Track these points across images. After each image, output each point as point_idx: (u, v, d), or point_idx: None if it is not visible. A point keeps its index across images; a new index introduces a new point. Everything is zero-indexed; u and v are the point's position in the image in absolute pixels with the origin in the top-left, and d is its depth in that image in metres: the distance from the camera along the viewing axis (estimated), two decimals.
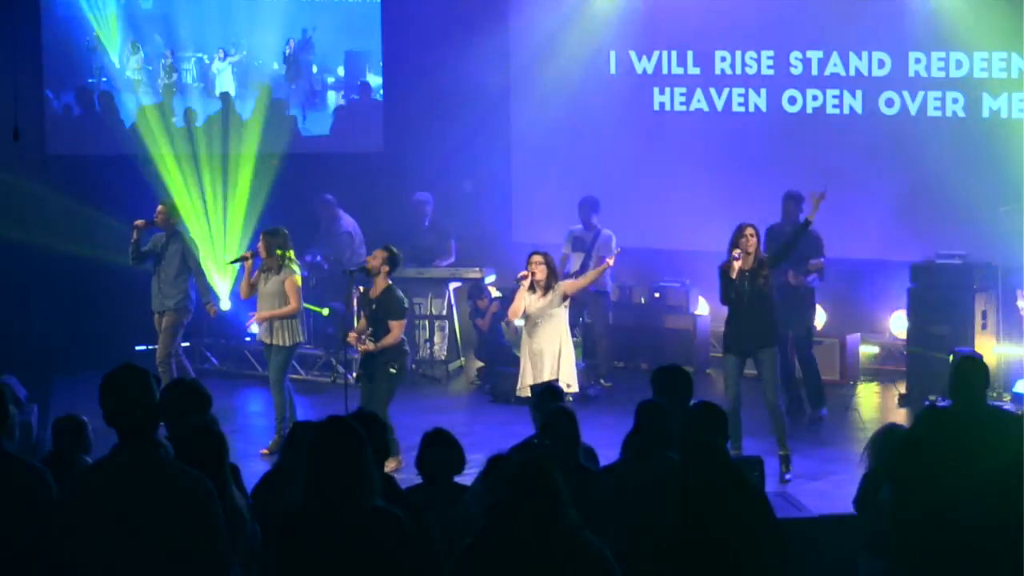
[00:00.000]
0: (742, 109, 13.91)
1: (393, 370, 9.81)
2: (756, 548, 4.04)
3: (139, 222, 11.57)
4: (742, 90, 13.89)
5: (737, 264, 9.61)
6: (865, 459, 6.71)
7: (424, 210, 13.87)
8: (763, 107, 13.82)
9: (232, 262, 11.33)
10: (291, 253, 10.68)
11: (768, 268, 9.73)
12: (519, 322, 10.17)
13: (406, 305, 10.06)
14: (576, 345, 12.03)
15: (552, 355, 9.82)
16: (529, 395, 9.79)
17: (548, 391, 7.58)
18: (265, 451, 10.59)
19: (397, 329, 9.79)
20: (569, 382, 9.84)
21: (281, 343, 10.54)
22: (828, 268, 11.53)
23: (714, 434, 5.68)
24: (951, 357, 9.84)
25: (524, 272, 9.95)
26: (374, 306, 9.88)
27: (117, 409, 4.49)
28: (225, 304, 13.40)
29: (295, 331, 10.61)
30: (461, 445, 6.23)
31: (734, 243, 9.67)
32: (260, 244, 10.63)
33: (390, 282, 9.96)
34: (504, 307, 12.15)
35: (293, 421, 10.68)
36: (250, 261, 10.73)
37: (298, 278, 10.61)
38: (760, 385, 9.84)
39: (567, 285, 10.11)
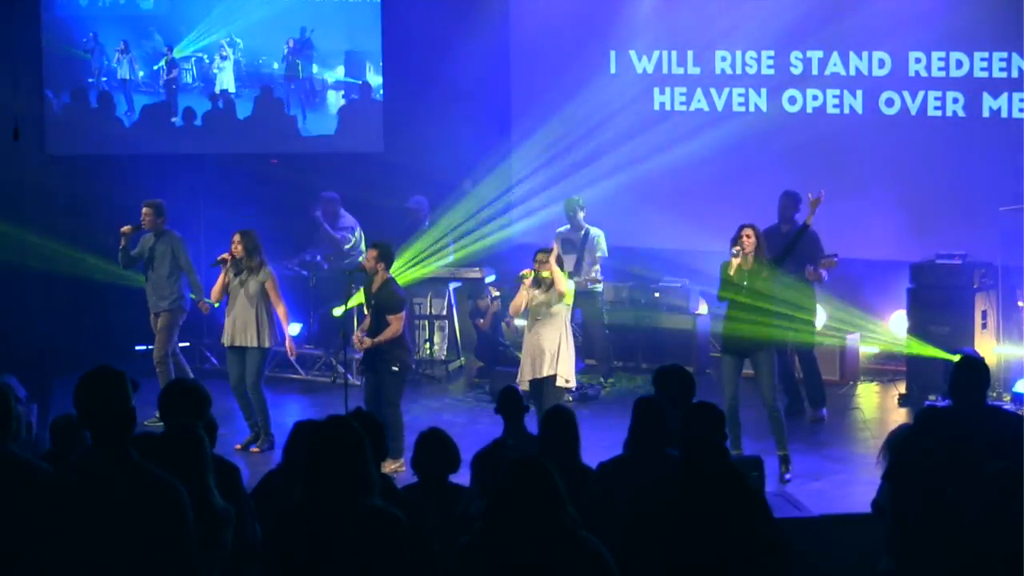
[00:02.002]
0: (742, 109, 13.91)
1: (395, 368, 9.85)
2: (755, 549, 4.04)
3: (125, 228, 11.57)
4: (742, 90, 13.88)
5: (736, 262, 9.62)
6: (882, 461, 6.70)
7: (420, 216, 13.87)
8: (763, 107, 13.81)
9: (213, 265, 11.36)
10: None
11: (768, 270, 9.72)
12: (520, 321, 10.18)
13: (404, 299, 10.12)
14: (576, 347, 12.07)
15: (551, 351, 9.83)
16: (527, 389, 9.85)
17: (508, 395, 7.40)
18: (256, 449, 10.60)
19: (396, 323, 9.84)
20: (568, 377, 9.88)
21: (258, 345, 10.54)
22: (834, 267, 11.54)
23: (712, 434, 5.68)
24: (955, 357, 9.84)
25: (526, 271, 9.97)
26: (374, 301, 9.95)
27: (90, 410, 4.46)
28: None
29: (270, 333, 10.63)
30: (456, 445, 6.23)
31: (734, 244, 9.70)
32: (237, 245, 10.62)
33: (389, 276, 10.02)
34: (505, 307, 12.17)
35: (267, 425, 10.70)
36: (228, 265, 10.74)
37: (274, 279, 10.66)
38: (757, 386, 9.84)
39: (563, 289, 10.00)
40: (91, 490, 4.38)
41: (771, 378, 9.72)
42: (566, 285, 9.94)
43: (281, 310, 10.67)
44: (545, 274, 9.86)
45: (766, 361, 9.69)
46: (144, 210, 11.61)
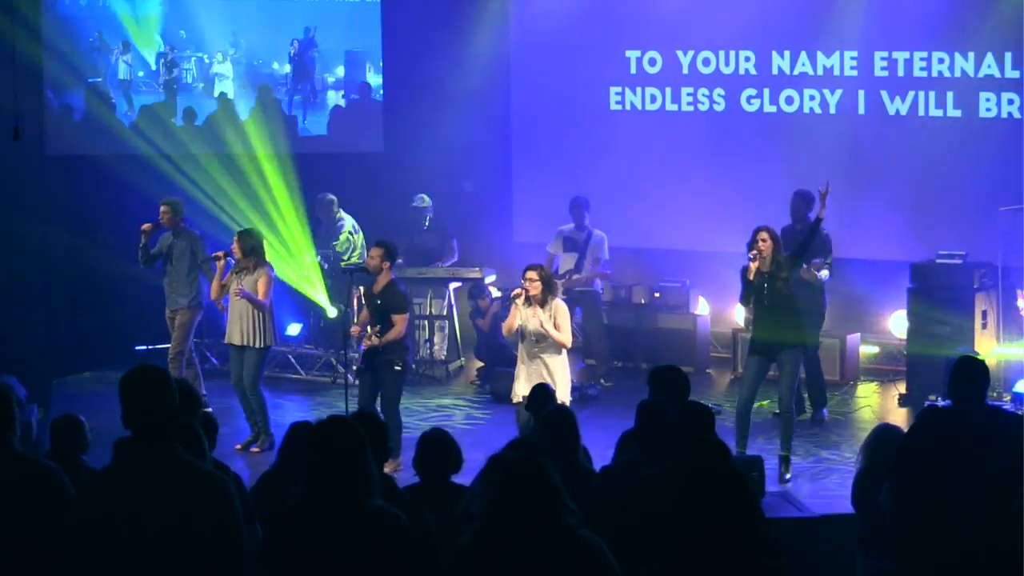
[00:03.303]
0: (743, 109, 13.90)
1: (398, 367, 9.84)
2: (755, 549, 4.04)
3: (146, 226, 11.57)
4: (742, 90, 13.88)
5: (754, 265, 9.61)
6: (859, 459, 6.72)
7: (423, 213, 13.88)
8: (764, 107, 13.81)
9: (204, 261, 11.34)
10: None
11: (787, 270, 9.70)
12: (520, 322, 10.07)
13: (409, 299, 10.10)
14: (575, 346, 12.06)
15: (548, 372, 9.65)
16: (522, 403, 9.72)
17: (540, 393, 7.57)
18: (256, 449, 10.60)
19: (400, 323, 9.83)
20: (564, 399, 9.68)
21: (256, 345, 10.55)
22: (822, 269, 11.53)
23: (706, 433, 5.70)
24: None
25: (518, 290, 9.79)
26: (378, 300, 9.92)
27: (136, 408, 4.50)
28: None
29: (269, 332, 10.62)
30: (458, 444, 6.23)
31: (750, 246, 9.69)
32: (235, 245, 10.63)
33: (393, 276, 10.00)
34: (505, 307, 12.13)
35: (267, 425, 10.69)
36: (223, 262, 10.75)
37: (268, 278, 10.61)
38: (774, 386, 9.84)
39: (559, 315, 9.69)
40: (140, 486, 4.42)
41: (792, 378, 9.72)
42: (566, 339, 9.79)
43: (258, 301, 10.51)
44: (534, 293, 9.67)
45: (790, 361, 9.70)
46: (162, 208, 11.61)
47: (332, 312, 13.26)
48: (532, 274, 9.63)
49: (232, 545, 4.45)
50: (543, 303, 9.58)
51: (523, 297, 9.61)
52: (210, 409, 8.50)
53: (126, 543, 4.38)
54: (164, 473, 4.45)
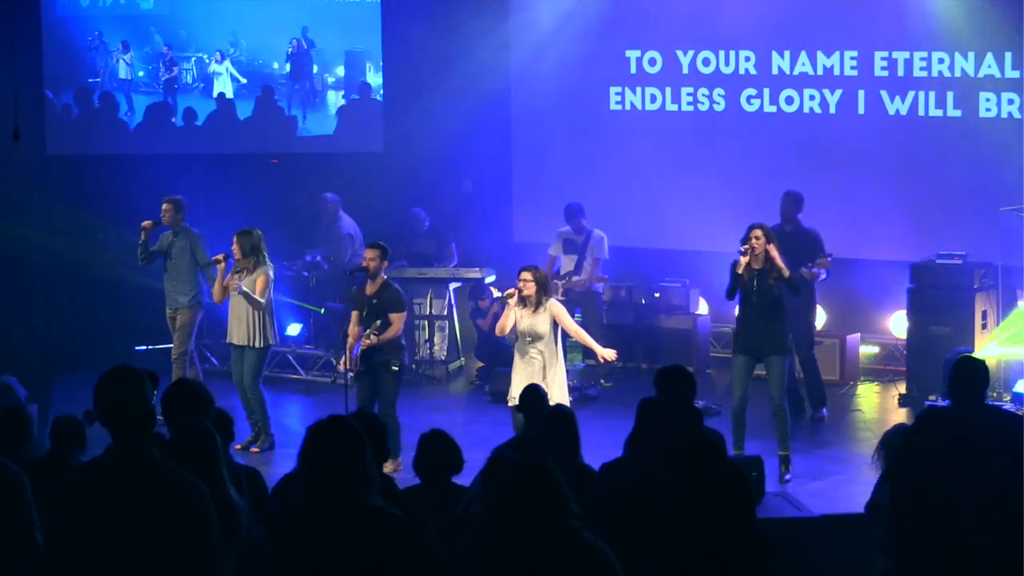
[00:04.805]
0: (743, 109, 13.90)
1: (394, 367, 9.85)
2: (756, 547, 4.04)
3: (146, 223, 11.54)
4: (743, 90, 13.87)
5: (744, 260, 9.59)
6: (877, 461, 6.70)
7: (420, 221, 13.93)
8: (764, 107, 13.81)
9: (206, 265, 11.34)
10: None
11: (778, 272, 9.68)
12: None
13: (405, 298, 10.15)
14: (574, 346, 12.07)
15: (541, 373, 9.65)
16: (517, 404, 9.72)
17: (531, 395, 7.53)
18: (256, 449, 10.61)
19: (398, 322, 9.87)
20: (560, 400, 9.67)
21: (255, 344, 10.56)
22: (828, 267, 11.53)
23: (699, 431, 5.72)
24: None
25: (511, 289, 9.78)
26: (375, 301, 9.93)
27: (110, 410, 4.49)
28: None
29: (269, 333, 10.62)
30: (459, 445, 6.23)
31: (743, 243, 9.68)
32: (234, 245, 10.65)
33: (385, 276, 10.03)
34: (504, 307, 12.13)
35: (267, 425, 10.71)
36: (223, 264, 10.76)
37: (266, 278, 10.60)
38: (766, 386, 9.83)
39: (558, 313, 9.84)
40: (112, 489, 4.40)
41: (781, 378, 9.70)
42: (581, 331, 9.94)
43: (254, 301, 10.54)
44: (527, 293, 9.66)
45: (778, 360, 9.68)
46: (164, 206, 11.57)
47: (321, 310, 13.30)
48: (527, 275, 9.64)
49: (199, 549, 4.40)
50: (537, 304, 9.56)
51: (516, 297, 9.60)
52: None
53: (95, 542, 4.36)
54: (135, 474, 4.42)
